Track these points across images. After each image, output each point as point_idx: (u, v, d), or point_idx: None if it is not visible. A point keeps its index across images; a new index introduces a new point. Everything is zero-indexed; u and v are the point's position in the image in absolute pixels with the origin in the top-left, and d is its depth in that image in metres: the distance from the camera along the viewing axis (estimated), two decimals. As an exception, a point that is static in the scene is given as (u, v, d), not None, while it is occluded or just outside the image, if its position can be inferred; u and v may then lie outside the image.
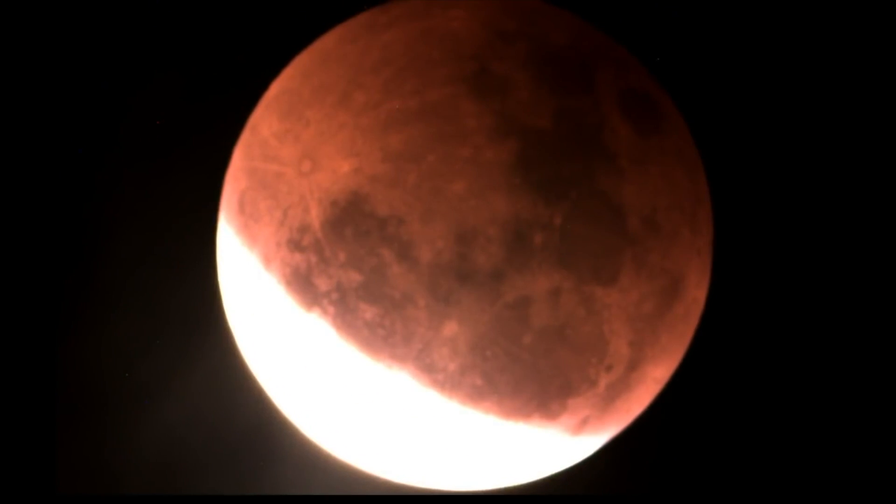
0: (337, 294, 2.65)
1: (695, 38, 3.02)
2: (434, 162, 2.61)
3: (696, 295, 2.91)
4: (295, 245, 2.72)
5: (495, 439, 2.80)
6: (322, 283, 2.67)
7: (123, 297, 3.39)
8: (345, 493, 3.21)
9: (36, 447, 3.19)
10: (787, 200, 2.91)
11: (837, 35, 2.90)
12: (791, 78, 2.87)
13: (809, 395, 3.01)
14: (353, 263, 2.63)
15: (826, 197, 2.91)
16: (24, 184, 3.23)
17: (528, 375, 2.68)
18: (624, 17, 3.07)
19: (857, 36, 2.92)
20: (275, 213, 2.77)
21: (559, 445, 2.94)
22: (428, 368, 2.66)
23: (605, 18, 2.99)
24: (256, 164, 2.88)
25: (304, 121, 2.79)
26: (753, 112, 2.88)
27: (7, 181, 3.21)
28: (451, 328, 2.62)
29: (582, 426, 2.89)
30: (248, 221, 2.87)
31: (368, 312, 2.63)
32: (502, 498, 3.14)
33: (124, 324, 3.37)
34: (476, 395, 2.69)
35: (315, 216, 2.69)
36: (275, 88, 3.02)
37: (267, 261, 2.80)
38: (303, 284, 2.71)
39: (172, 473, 3.32)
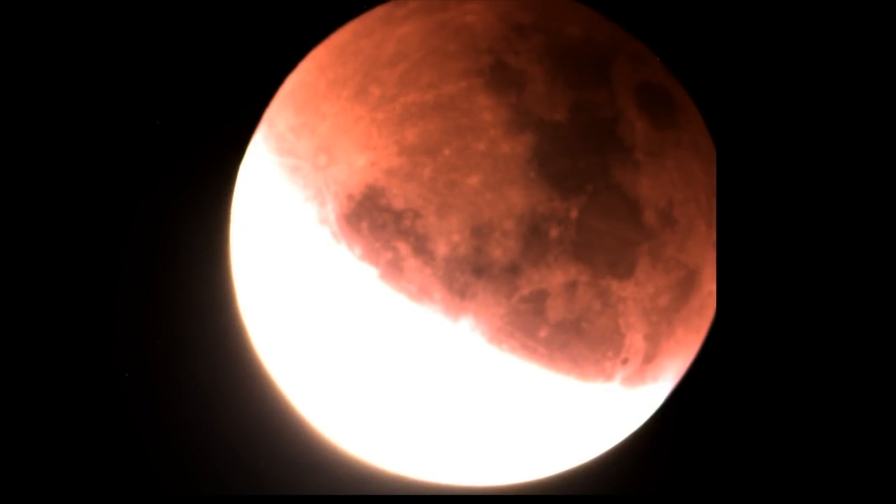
0: (355, 283, 2.66)
1: (711, 30, 3.01)
2: (450, 155, 2.61)
3: (711, 288, 2.91)
4: (313, 235, 2.73)
5: (515, 425, 2.80)
6: (341, 271, 2.68)
7: (138, 289, 3.41)
8: (357, 490, 3.22)
9: (54, 442, 3.22)
10: (804, 194, 2.89)
11: (856, 27, 2.88)
12: (809, 71, 2.85)
13: (827, 389, 3.00)
14: (369, 257, 2.64)
15: (844, 190, 2.89)
16: (38, 176, 3.26)
17: (545, 368, 2.69)
18: (640, 7, 3.06)
19: (877, 27, 2.89)
20: (292, 203, 2.78)
21: (579, 436, 2.95)
22: (448, 354, 2.67)
23: (620, 9, 2.97)
24: (273, 158, 2.89)
25: (320, 114, 2.80)
26: (770, 105, 2.87)
27: (22, 176, 3.24)
28: (467, 322, 2.62)
29: (599, 418, 2.90)
30: (264, 211, 2.89)
31: (386, 299, 2.64)
32: (519, 497, 3.15)
33: (137, 317, 3.39)
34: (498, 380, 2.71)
35: (331, 210, 2.70)
36: (291, 82, 3.02)
37: (285, 250, 2.81)
38: (322, 271, 2.72)
39: (183, 472, 3.34)
